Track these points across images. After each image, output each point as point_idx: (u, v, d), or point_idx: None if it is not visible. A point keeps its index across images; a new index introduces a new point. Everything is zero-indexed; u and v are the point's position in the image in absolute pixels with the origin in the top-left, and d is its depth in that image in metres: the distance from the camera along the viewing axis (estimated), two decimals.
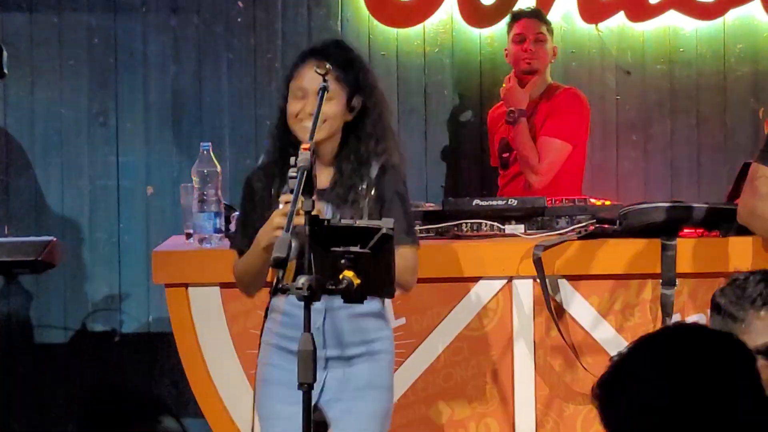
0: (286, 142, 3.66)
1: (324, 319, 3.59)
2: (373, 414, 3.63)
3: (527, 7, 5.43)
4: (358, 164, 3.68)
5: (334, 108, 3.61)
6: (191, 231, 4.36)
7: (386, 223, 3.19)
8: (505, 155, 5.33)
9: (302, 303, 3.35)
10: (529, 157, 5.15)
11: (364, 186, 3.66)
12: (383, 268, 3.22)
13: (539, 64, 5.26)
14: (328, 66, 3.53)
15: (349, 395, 3.61)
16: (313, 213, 3.18)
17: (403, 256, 3.57)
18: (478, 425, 4.34)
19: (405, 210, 3.74)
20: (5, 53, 3.70)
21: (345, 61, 3.69)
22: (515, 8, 5.46)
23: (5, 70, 3.74)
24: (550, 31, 5.33)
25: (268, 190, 3.67)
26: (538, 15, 5.34)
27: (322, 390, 3.59)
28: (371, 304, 3.61)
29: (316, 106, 3.48)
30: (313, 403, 3.43)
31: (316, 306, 3.43)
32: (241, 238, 3.69)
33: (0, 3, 5.49)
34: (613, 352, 4.31)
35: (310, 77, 3.58)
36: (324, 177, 3.63)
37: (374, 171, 3.68)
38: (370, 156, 3.69)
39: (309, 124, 3.50)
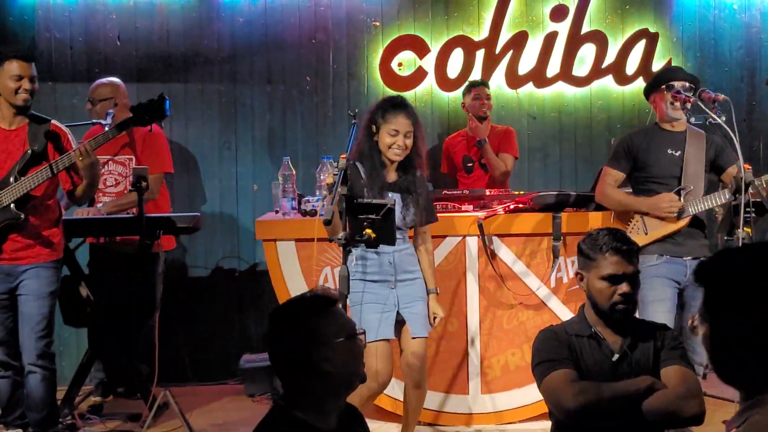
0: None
1: (393, 257, 3.59)
2: (425, 312, 3.67)
3: (480, 79, 5.40)
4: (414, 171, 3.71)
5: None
6: (278, 209, 4.39)
7: (389, 201, 3.22)
8: (468, 165, 5.32)
9: (372, 252, 3.46)
10: (498, 166, 5.18)
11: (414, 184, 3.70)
12: (388, 228, 3.25)
13: (489, 112, 5.28)
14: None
15: (412, 302, 3.63)
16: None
17: (429, 228, 3.77)
18: (446, 322, 4.37)
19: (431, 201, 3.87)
20: (168, 101, 3.67)
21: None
22: (473, 79, 5.42)
23: (168, 113, 3.72)
24: (490, 94, 5.35)
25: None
26: (485, 84, 5.34)
27: (398, 300, 3.60)
28: (410, 247, 3.65)
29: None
30: (396, 310, 3.54)
31: (387, 249, 3.49)
32: None
33: (166, 77, 5.50)
34: (526, 280, 4.37)
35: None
36: (392, 175, 3.69)
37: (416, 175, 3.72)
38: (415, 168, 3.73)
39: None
